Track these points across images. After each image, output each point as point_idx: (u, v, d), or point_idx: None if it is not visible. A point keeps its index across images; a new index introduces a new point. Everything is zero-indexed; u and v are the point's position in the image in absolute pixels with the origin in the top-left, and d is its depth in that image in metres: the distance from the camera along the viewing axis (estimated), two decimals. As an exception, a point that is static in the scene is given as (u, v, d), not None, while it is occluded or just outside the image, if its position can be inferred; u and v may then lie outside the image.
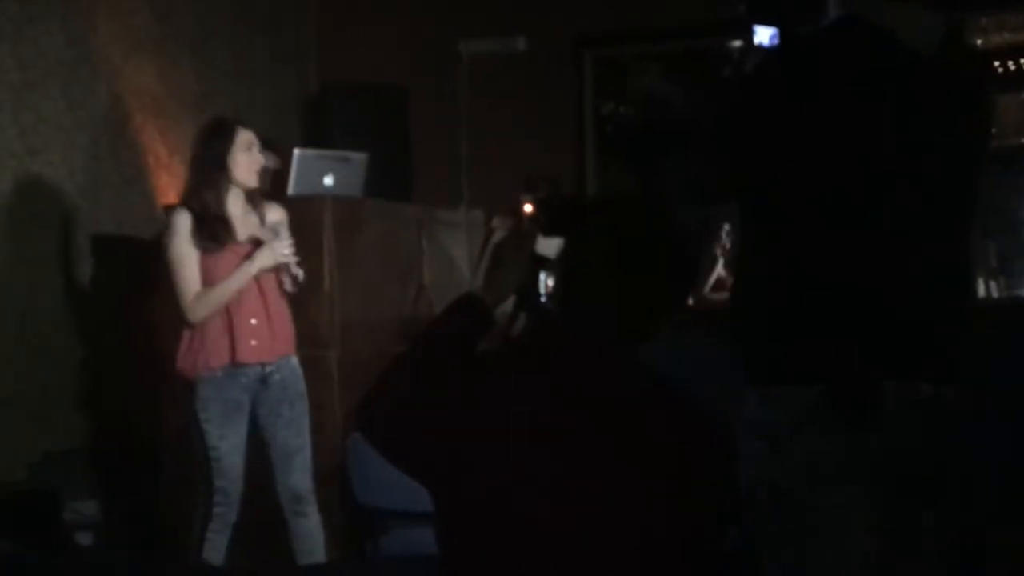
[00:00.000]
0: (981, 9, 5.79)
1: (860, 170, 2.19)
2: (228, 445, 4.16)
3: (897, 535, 2.22)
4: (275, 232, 4.20)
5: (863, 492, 2.18)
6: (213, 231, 4.13)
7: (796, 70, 2.24)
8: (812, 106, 2.19)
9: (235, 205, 4.22)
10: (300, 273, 4.23)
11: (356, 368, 4.37)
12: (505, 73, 6.68)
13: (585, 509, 1.89)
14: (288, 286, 4.24)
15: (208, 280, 4.15)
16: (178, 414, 4.90)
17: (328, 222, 4.89)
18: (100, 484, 5.27)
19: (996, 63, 5.73)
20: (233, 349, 4.15)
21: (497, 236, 2.06)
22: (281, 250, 4.16)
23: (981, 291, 5.44)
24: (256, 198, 4.29)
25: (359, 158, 5.25)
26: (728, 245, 5.09)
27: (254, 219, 4.26)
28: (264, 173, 4.37)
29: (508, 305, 2.15)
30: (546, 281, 2.06)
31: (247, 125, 4.31)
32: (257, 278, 4.17)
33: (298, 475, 4.25)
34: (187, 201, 4.22)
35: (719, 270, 5.02)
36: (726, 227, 5.10)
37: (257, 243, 4.20)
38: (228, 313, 4.15)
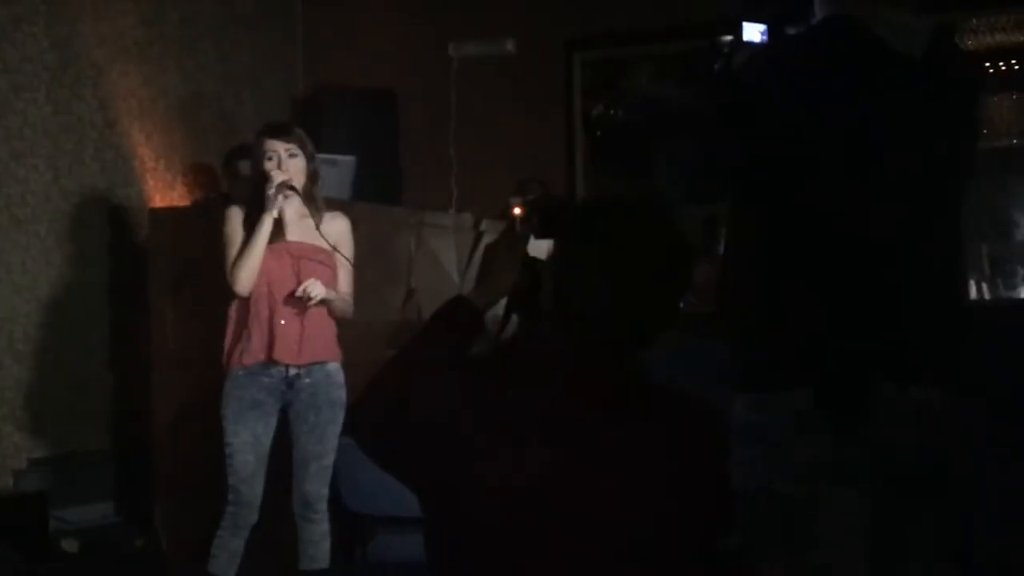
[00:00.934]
0: (971, 10, 5.79)
1: (846, 171, 2.18)
2: (239, 442, 4.15)
3: (890, 537, 2.21)
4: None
5: (855, 494, 2.17)
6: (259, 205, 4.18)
7: (784, 68, 2.24)
8: (798, 105, 2.18)
9: (289, 210, 4.24)
10: (316, 289, 4.18)
11: (346, 372, 4.34)
12: (494, 76, 6.68)
13: (578, 513, 1.87)
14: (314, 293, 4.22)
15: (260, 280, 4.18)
16: (168, 410, 4.89)
17: (317, 225, 4.86)
18: (87, 489, 5.25)
19: (987, 64, 5.73)
20: (260, 346, 4.16)
21: (487, 238, 2.04)
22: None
23: (973, 293, 5.44)
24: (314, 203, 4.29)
25: (348, 161, 5.23)
26: None
27: (309, 223, 4.27)
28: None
29: (499, 308, 2.13)
30: (538, 283, 2.04)
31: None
32: (298, 275, 4.17)
33: (312, 482, 4.24)
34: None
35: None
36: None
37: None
38: (262, 313, 4.17)
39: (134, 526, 5.20)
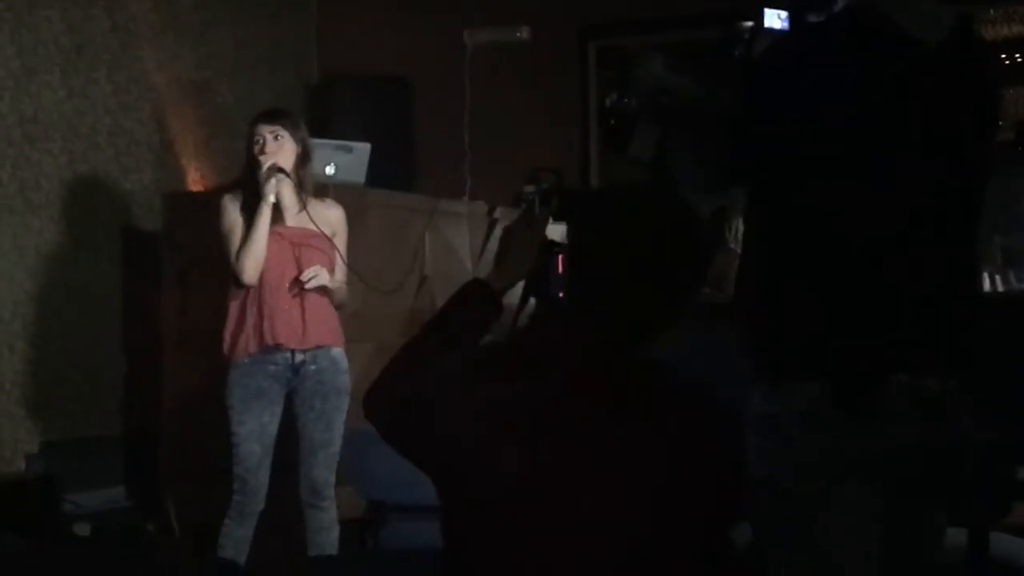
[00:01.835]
0: (991, 1, 5.77)
1: (863, 161, 2.17)
2: (245, 431, 4.14)
3: (901, 531, 2.20)
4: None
5: (867, 488, 2.16)
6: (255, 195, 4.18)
7: (804, 56, 2.22)
8: (818, 94, 2.17)
9: (286, 194, 4.24)
10: (322, 277, 4.19)
11: (359, 358, 4.34)
12: (509, 63, 6.67)
13: (592, 501, 1.86)
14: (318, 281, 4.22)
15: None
16: (180, 395, 4.90)
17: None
18: (99, 474, 5.26)
19: (1004, 56, 5.71)
20: (262, 332, 4.15)
21: (501, 224, 2.03)
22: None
23: (987, 285, 5.42)
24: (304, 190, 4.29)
25: (362, 147, 5.22)
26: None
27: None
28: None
29: (517, 291, 2.12)
30: (556, 266, 2.03)
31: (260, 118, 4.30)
32: (298, 261, 4.17)
33: (320, 469, 4.23)
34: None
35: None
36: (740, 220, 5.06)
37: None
38: (265, 299, 4.15)
39: (146, 510, 5.21)
